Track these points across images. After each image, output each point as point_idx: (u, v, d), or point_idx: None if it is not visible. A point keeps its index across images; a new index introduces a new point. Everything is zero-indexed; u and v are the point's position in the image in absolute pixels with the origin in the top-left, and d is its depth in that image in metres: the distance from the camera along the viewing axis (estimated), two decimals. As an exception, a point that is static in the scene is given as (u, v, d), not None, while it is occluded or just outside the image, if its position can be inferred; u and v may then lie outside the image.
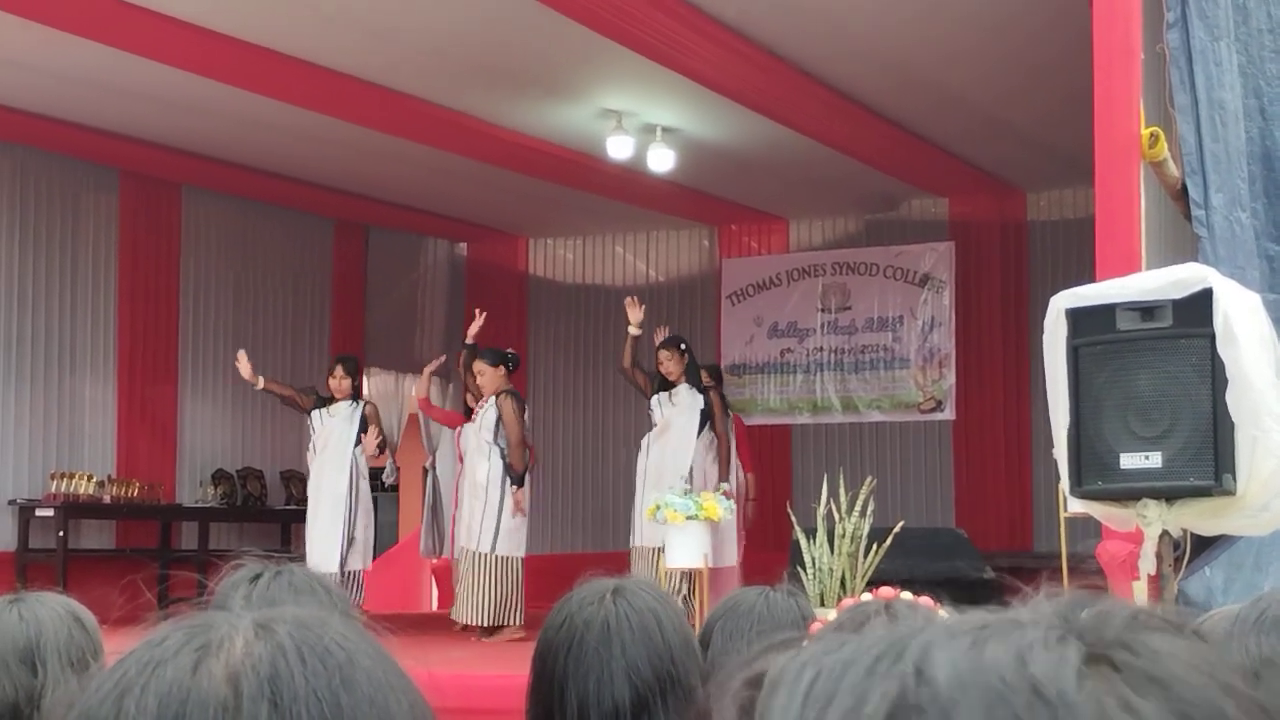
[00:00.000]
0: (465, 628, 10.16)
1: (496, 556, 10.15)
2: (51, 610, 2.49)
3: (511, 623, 10.08)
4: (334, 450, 10.87)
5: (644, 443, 10.50)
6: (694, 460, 10.17)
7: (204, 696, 0.91)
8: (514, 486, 10.31)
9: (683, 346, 10.55)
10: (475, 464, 10.35)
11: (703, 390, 10.44)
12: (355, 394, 11.11)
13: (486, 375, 10.49)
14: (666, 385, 10.48)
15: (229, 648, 0.94)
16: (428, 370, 12.17)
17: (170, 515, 12.49)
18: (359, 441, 10.90)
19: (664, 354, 10.50)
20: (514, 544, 10.25)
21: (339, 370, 11.12)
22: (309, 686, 0.92)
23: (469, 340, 11.10)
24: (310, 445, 11.06)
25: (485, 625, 10.08)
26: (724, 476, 10.23)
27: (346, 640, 0.96)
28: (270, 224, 13.84)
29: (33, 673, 2.41)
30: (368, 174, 12.89)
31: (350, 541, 10.74)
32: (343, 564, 10.59)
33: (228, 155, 12.32)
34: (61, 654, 2.42)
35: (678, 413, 10.36)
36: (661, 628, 2.30)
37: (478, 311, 11.32)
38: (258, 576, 2.31)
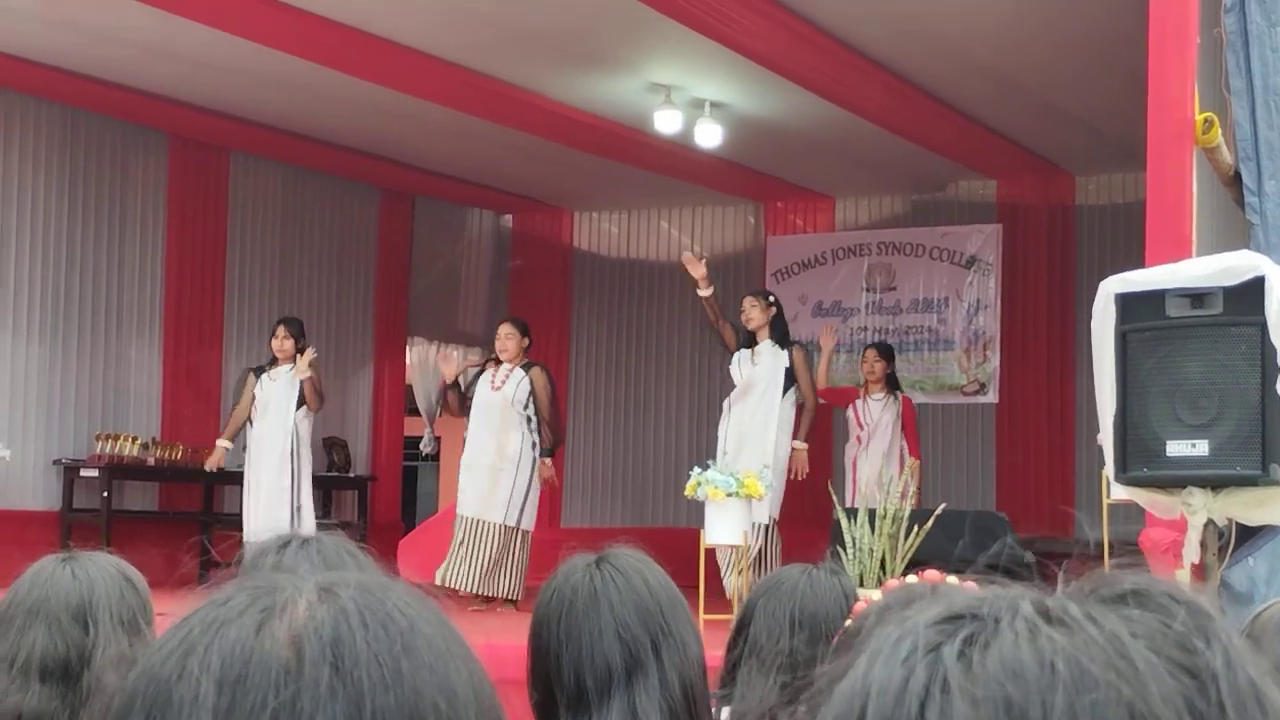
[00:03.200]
0: (486, 598, 10.03)
1: (521, 530, 10.08)
2: (104, 570, 2.51)
3: (512, 595, 9.98)
4: (274, 415, 10.68)
5: (725, 405, 10.10)
6: (779, 424, 9.83)
7: (266, 658, 0.92)
8: (544, 458, 10.24)
9: (770, 299, 10.16)
10: (504, 434, 10.11)
11: (787, 346, 10.02)
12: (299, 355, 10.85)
13: (514, 341, 10.26)
14: (752, 342, 10.05)
15: (292, 610, 0.94)
16: (463, 364, 11.72)
17: (213, 478, 12.55)
18: (300, 405, 10.71)
19: (748, 302, 10.08)
20: (533, 517, 10.19)
21: (281, 331, 10.87)
22: (370, 651, 0.93)
23: (449, 380, 10.65)
24: (252, 411, 10.88)
25: (492, 595, 9.98)
26: (796, 436, 9.94)
27: (409, 607, 0.97)
28: (317, 191, 13.88)
29: (85, 630, 2.44)
30: (415, 143, 12.91)
31: (297, 509, 10.65)
32: (293, 530, 10.36)
33: (276, 122, 12.36)
34: (113, 613, 2.45)
35: (760, 372, 9.92)
36: (649, 584, 2.35)
37: (450, 355, 11.10)
38: (286, 544, 2.33)
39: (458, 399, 10.55)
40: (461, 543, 9.99)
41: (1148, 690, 0.76)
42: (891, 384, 11.27)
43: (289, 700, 0.91)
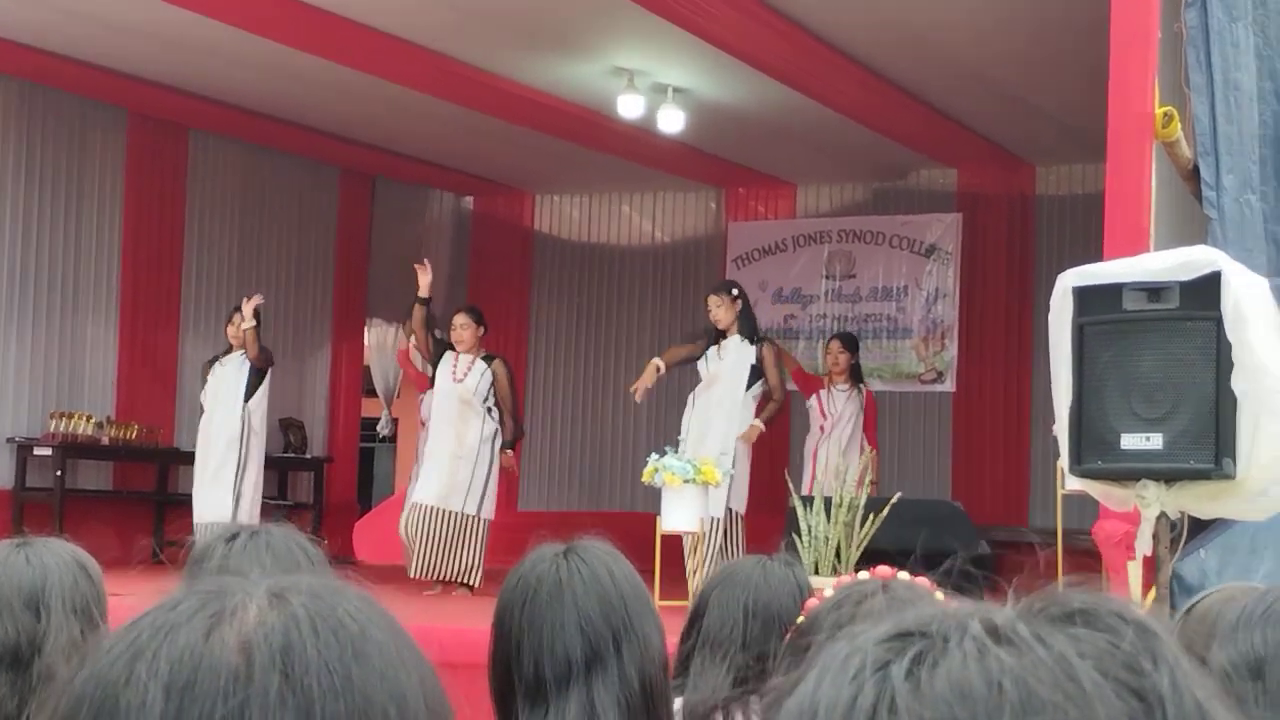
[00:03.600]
0: (440, 582, 10.04)
1: (481, 519, 10.09)
2: (58, 556, 2.50)
3: (471, 580, 9.99)
4: (225, 401, 10.65)
5: (689, 398, 9.98)
6: (741, 418, 9.71)
7: (215, 664, 0.91)
8: (505, 450, 10.24)
9: (734, 292, 9.93)
10: (464, 425, 10.11)
11: (756, 342, 9.88)
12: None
13: (470, 331, 10.25)
14: (720, 337, 9.89)
15: (242, 615, 0.94)
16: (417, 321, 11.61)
17: (168, 458, 12.51)
18: (251, 394, 10.67)
19: (713, 299, 9.87)
20: (492, 507, 10.22)
21: (237, 317, 10.80)
22: (321, 658, 0.92)
23: (422, 294, 10.52)
24: (202, 396, 10.84)
25: (449, 579, 9.99)
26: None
27: (359, 612, 0.96)
28: (277, 170, 13.80)
29: (36, 617, 2.42)
30: (376, 123, 12.86)
31: (238, 497, 10.59)
32: (237, 516, 10.30)
33: (236, 100, 12.29)
34: (66, 600, 2.43)
35: (725, 366, 9.79)
36: (614, 579, 2.35)
37: (424, 264, 10.73)
38: (234, 537, 2.32)
39: (426, 335, 10.45)
40: (421, 533, 9.98)
41: (1094, 712, 0.76)
42: (855, 375, 11.23)
43: (238, 707, 0.90)
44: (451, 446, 10.10)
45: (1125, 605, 0.81)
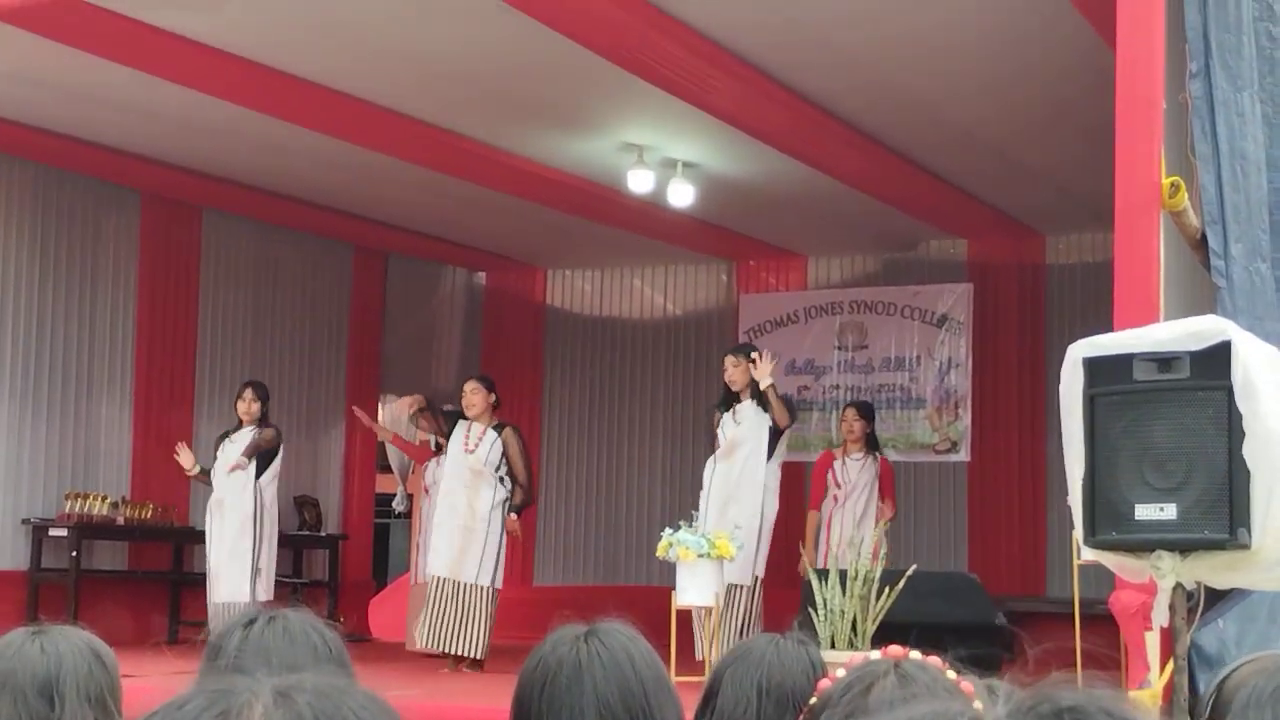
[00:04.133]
0: (452, 657, 10.00)
1: (491, 589, 10.07)
2: (73, 645, 2.50)
3: (479, 654, 9.96)
4: (235, 478, 10.68)
5: (708, 465, 9.85)
6: (765, 483, 9.61)
7: None
8: (512, 514, 10.21)
9: (752, 355, 9.84)
10: (475, 495, 10.10)
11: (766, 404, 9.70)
12: (263, 420, 10.89)
13: (480, 396, 10.28)
14: (733, 401, 9.78)
15: (248, 715, 0.94)
16: (406, 408, 12.05)
17: (183, 538, 12.50)
18: (263, 471, 10.72)
19: (729, 360, 9.81)
20: (501, 576, 10.20)
21: (249, 394, 10.89)
22: None
23: (414, 409, 10.94)
24: (213, 471, 10.89)
25: (460, 654, 9.95)
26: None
27: (364, 710, 0.97)
28: (290, 249, 13.87)
29: (50, 706, 2.42)
30: (388, 201, 12.94)
31: (256, 572, 10.59)
32: (254, 595, 10.37)
33: (249, 179, 12.38)
34: (80, 689, 2.43)
35: (743, 431, 9.65)
36: (634, 665, 2.33)
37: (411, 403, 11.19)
38: (252, 622, 2.32)
39: (436, 421, 10.79)
40: (433, 603, 9.97)
41: None
42: (871, 444, 11.16)
43: None
44: (463, 517, 10.09)
45: (1115, 702, 0.81)
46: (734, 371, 9.75)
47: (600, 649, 2.34)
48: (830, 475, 11.04)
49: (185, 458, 11.13)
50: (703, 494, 9.75)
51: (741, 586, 9.33)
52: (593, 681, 2.30)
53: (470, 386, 10.40)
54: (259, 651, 2.25)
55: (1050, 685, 0.82)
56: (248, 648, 2.28)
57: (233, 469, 10.69)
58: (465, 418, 10.35)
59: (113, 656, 2.55)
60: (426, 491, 11.87)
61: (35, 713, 2.41)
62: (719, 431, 9.86)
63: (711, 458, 9.87)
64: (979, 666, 2.04)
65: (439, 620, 9.93)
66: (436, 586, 10.02)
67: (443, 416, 10.74)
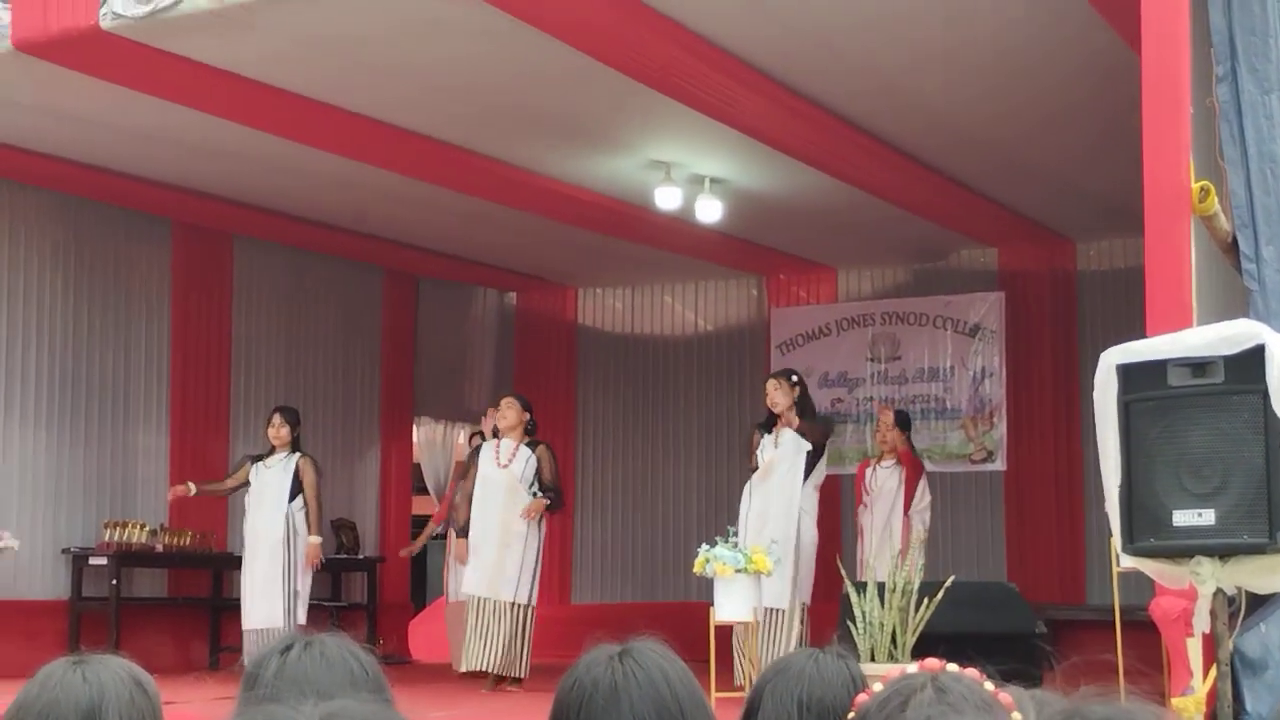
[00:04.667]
0: (492, 676, 10.01)
1: (531, 608, 10.09)
2: (114, 674, 2.51)
3: (522, 673, 9.98)
4: (269, 503, 10.68)
5: (746, 488, 9.83)
6: (802, 507, 9.61)
7: None
8: (541, 497, 10.22)
9: (794, 379, 9.80)
10: (510, 512, 10.11)
11: (813, 430, 9.74)
12: (294, 445, 10.88)
13: (514, 411, 10.35)
14: (773, 423, 9.79)
15: None
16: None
17: (222, 564, 12.55)
18: (295, 496, 10.71)
19: (771, 384, 9.80)
20: (536, 592, 10.23)
21: (277, 419, 10.91)
22: None
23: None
24: (246, 499, 10.90)
25: (507, 675, 9.97)
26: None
27: None
28: (321, 274, 13.94)
29: (93, 735, 2.43)
30: (418, 224, 12.98)
31: (295, 595, 10.57)
32: (288, 620, 10.38)
33: (279, 205, 12.44)
34: (123, 717, 2.44)
35: (782, 455, 9.65)
36: (670, 683, 2.32)
37: None
38: (289, 648, 2.33)
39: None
40: (477, 624, 9.98)
41: None
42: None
43: None
44: (497, 535, 10.09)
45: (1148, 715, 0.81)
46: (776, 395, 9.72)
47: (635, 668, 2.35)
48: (863, 484, 11.07)
49: (179, 489, 11.16)
50: (741, 518, 9.72)
51: (779, 610, 9.28)
52: (629, 701, 2.30)
53: (506, 401, 10.49)
54: (296, 678, 2.25)
55: (1084, 698, 0.82)
56: (285, 674, 2.29)
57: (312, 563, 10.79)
58: (484, 440, 10.43)
59: (154, 684, 2.57)
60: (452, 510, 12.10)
61: (79, 743, 2.42)
62: (758, 453, 9.84)
63: (748, 483, 9.84)
64: (1019, 678, 2.03)
65: (483, 639, 9.95)
66: (476, 607, 10.03)
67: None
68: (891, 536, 10.36)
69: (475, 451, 10.73)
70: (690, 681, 2.39)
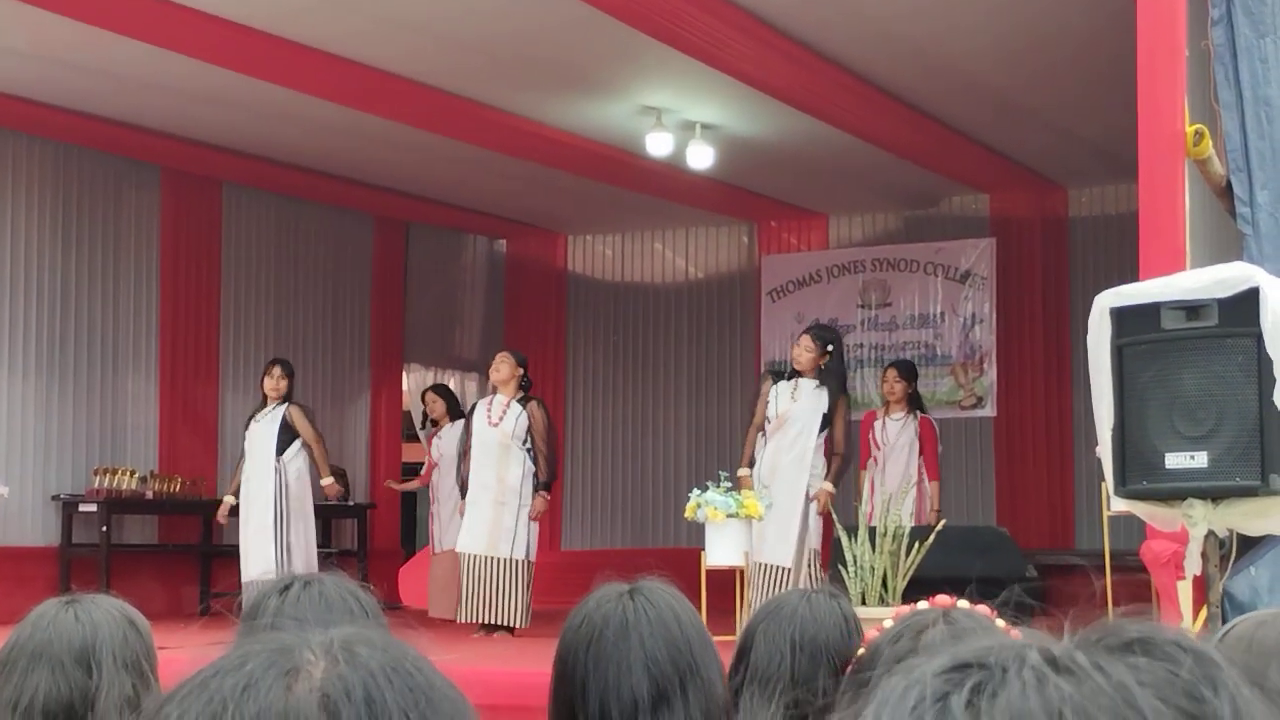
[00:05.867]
0: (486, 627, 10.01)
1: (527, 562, 10.06)
2: (107, 613, 2.51)
3: (522, 623, 9.96)
4: (260, 456, 10.64)
5: (760, 440, 9.51)
6: (812, 464, 9.36)
7: None
8: (542, 492, 10.14)
9: (829, 346, 9.50)
10: (505, 468, 10.05)
11: (835, 393, 9.44)
12: (287, 396, 10.78)
13: (509, 367, 10.22)
14: (792, 374, 9.53)
15: (314, 671, 0.94)
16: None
17: (212, 510, 12.49)
18: (285, 448, 10.65)
19: (805, 340, 9.53)
20: (535, 547, 10.18)
21: (277, 371, 10.79)
22: (401, 709, 0.93)
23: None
24: (242, 451, 10.85)
25: (500, 624, 9.96)
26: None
27: (421, 662, 0.97)
28: (310, 220, 13.89)
29: (88, 673, 2.43)
30: (407, 170, 12.93)
31: (287, 548, 10.55)
32: (282, 571, 10.34)
33: (268, 152, 12.38)
34: (116, 656, 2.44)
35: (799, 408, 9.38)
36: (680, 621, 2.33)
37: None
38: (287, 587, 2.32)
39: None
40: (471, 581, 9.93)
41: None
42: (914, 403, 10.98)
43: None
44: (494, 492, 10.04)
45: (1183, 634, 0.80)
46: (803, 354, 9.48)
47: (646, 605, 2.35)
48: (870, 436, 10.85)
49: (225, 508, 11.06)
50: (754, 471, 9.48)
51: (785, 569, 9.18)
52: (639, 637, 2.30)
53: (501, 356, 10.39)
54: (295, 617, 2.25)
55: (1116, 618, 0.81)
56: (284, 613, 2.29)
57: (332, 493, 10.93)
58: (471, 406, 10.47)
59: (146, 624, 2.57)
60: (435, 465, 12.06)
61: (74, 681, 2.42)
62: (769, 401, 9.54)
63: (762, 434, 9.54)
64: (1018, 620, 2.03)
65: (477, 597, 9.91)
66: (471, 564, 9.97)
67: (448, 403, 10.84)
68: (903, 489, 10.05)
69: (472, 409, 10.64)
70: (698, 622, 2.40)
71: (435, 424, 12.33)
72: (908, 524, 7.33)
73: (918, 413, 10.99)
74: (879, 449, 10.75)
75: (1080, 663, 0.79)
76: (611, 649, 2.29)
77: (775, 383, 9.62)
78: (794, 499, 9.29)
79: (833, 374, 9.54)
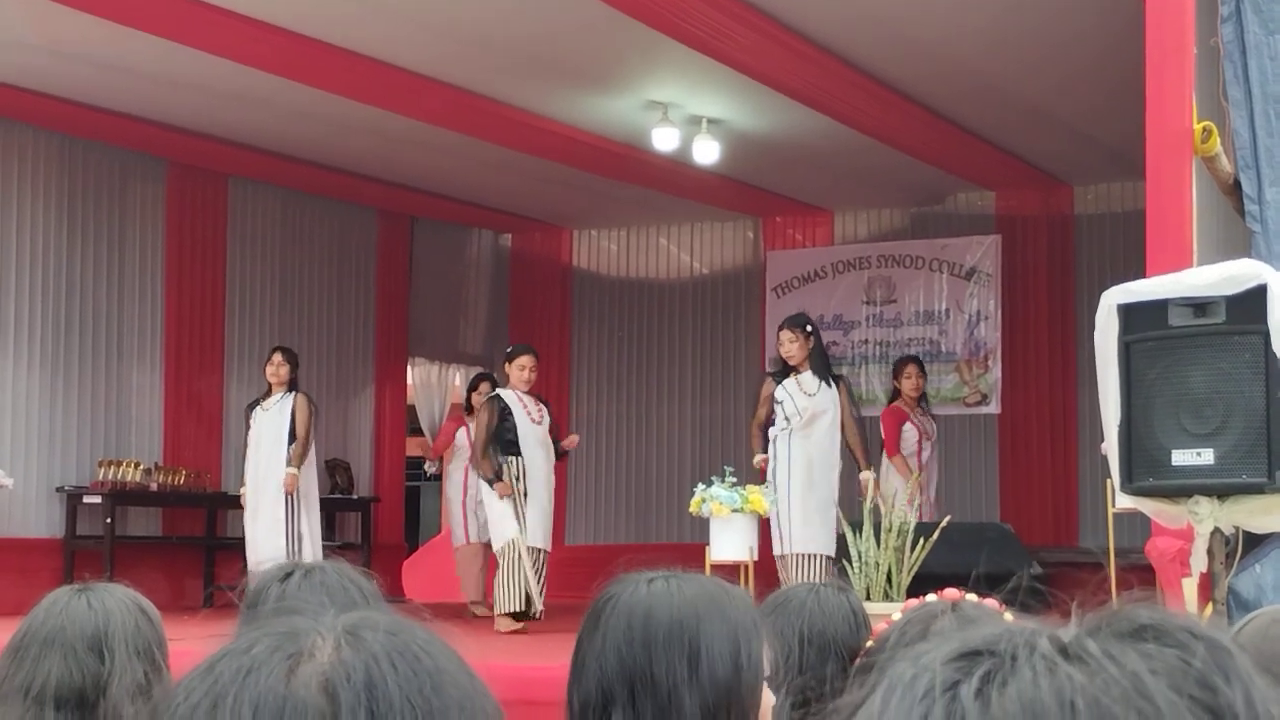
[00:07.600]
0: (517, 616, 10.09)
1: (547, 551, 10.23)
2: (119, 601, 2.52)
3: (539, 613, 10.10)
4: (268, 446, 10.70)
5: (782, 438, 9.43)
6: (837, 460, 9.50)
7: (300, 705, 0.91)
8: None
9: (809, 328, 9.60)
10: (548, 465, 10.34)
11: (834, 382, 9.57)
12: (293, 385, 10.89)
13: (537, 371, 10.63)
14: (790, 372, 9.53)
15: (319, 655, 0.94)
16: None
17: (216, 503, 12.56)
18: (293, 440, 10.73)
19: (785, 334, 9.54)
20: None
21: (277, 358, 10.92)
22: (403, 694, 0.92)
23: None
24: (246, 440, 10.89)
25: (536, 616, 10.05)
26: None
27: (430, 644, 0.97)
28: (316, 214, 13.90)
29: (100, 660, 2.44)
30: (413, 165, 12.93)
31: (299, 538, 10.62)
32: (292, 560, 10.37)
33: (274, 146, 12.38)
34: (129, 643, 2.45)
35: (820, 401, 9.40)
36: (650, 618, 2.09)
37: None
38: (289, 575, 2.32)
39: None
40: (513, 570, 10.00)
41: None
42: (923, 398, 11.57)
43: None
44: (546, 489, 10.29)
45: (1194, 621, 0.80)
46: (790, 346, 9.51)
47: (618, 600, 2.29)
48: (913, 428, 11.18)
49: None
50: (780, 468, 9.41)
51: (826, 556, 9.23)
52: (602, 635, 2.21)
53: (532, 362, 10.51)
54: (297, 605, 2.25)
55: (1125, 604, 0.81)
56: (286, 601, 2.29)
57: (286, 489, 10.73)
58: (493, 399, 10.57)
59: (156, 612, 2.58)
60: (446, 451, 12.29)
61: (86, 667, 2.43)
62: (785, 401, 9.48)
63: (785, 431, 9.47)
64: (1027, 613, 2.04)
65: (520, 585, 10.03)
66: (534, 557, 10.07)
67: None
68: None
69: (493, 398, 10.59)
70: (674, 622, 2.34)
71: (470, 411, 12.17)
72: (913, 518, 7.34)
73: (924, 405, 11.55)
74: (929, 438, 11.23)
75: (1091, 651, 0.78)
76: (580, 644, 2.13)
77: (779, 381, 9.63)
78: (832, 488, 9.44)
79: (825, 363, 9.75)
